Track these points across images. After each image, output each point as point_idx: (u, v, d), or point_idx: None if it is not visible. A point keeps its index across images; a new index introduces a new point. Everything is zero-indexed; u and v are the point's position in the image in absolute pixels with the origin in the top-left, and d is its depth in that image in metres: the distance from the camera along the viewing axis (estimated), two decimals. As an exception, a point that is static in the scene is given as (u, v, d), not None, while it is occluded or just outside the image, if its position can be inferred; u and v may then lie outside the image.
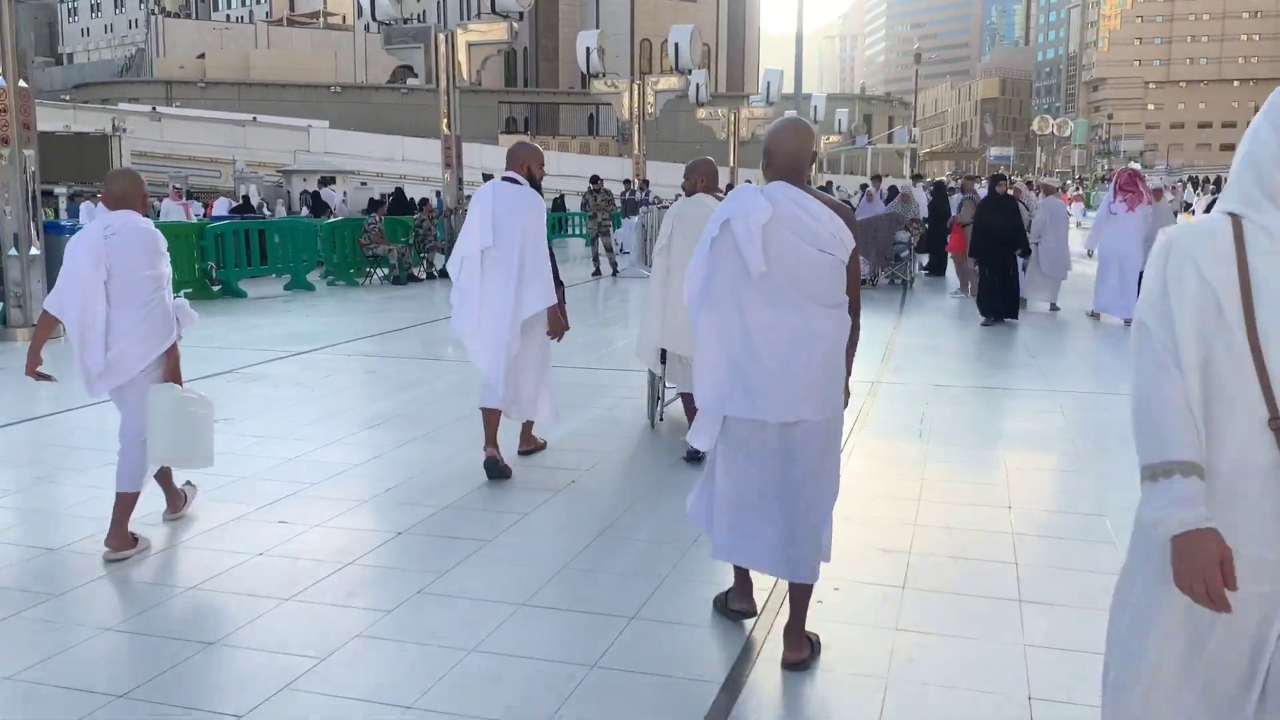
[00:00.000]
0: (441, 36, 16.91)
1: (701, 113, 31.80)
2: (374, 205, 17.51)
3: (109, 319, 4.52)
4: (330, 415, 7.59)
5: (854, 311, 3.60)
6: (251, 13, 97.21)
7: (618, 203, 21.67)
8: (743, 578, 3.88)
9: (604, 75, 24.22)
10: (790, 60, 32.27)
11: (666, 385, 6.77)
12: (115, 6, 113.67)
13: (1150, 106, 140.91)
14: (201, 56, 72.39)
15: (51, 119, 43.63)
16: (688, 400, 6.01)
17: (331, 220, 17.65)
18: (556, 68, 76.96)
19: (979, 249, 12.49)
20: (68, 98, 57.15)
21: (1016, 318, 12.28)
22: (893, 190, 15.59)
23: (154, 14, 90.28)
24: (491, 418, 5.85)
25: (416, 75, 73.18)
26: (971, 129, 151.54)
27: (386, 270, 17.23)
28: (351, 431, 7.04)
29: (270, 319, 12.67)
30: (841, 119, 43.57)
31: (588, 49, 23.29)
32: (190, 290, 13.29)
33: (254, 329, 11.91)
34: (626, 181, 22.97)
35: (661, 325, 6.13)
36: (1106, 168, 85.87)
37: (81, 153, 39.51)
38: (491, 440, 5.82)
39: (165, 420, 4.58)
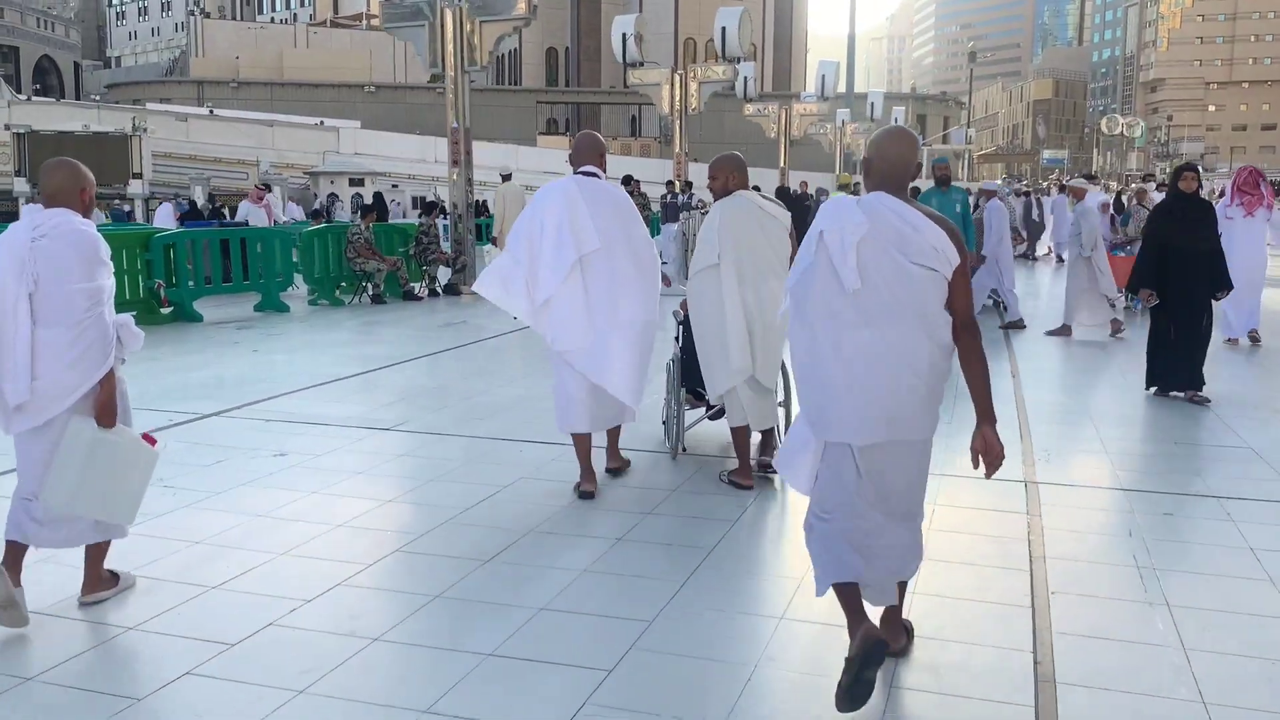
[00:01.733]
0: (449, 13, 14.53)
1: (749, 108, 29.23)
2: (363, 211, 14.98)
3: (34, 340, 3.80)
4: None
5: (971, 329, 3.34)
6: (295, 15, 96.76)
7: (654, 206, 19.29)
8: (856, 608, 3.41)
9: (643, 65, 21.78)
10: (839, 64, 30.07)
11: (688, 407, 6.27)
12: (162, 10, 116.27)
13: (1211, 107, 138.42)
14: (238, 57, 71.31)
15: (73, 118, 42.56)
16: (737, 438, 5.57)
17: (313, 228, 15.29)
18: (599, 68, 75.30)
19: (1153, 282, 8.01)
20: (97, 98, 56.04)
21: (1201, 389, 7.96)
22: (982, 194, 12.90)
23: (193, 14, 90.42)
24: (583, 441, 5.45)
25: (456, 76, 72.05)
26: (1023, 131, 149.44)
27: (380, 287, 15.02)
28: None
29: (206, 356, 10.23)
30: (898, 117, 40.76)
31: (624, 36, 20.83)
32: (134, 315, 10.92)
33: (175, 372, 9.33)
34: (668, 183, 20.53)
35: (741, 351, 5.39)
36: (1166, 170, 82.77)
37: (101, 154, 38.09)
38: (590, 473, 5.46)
39: (79, 459, 3.86)
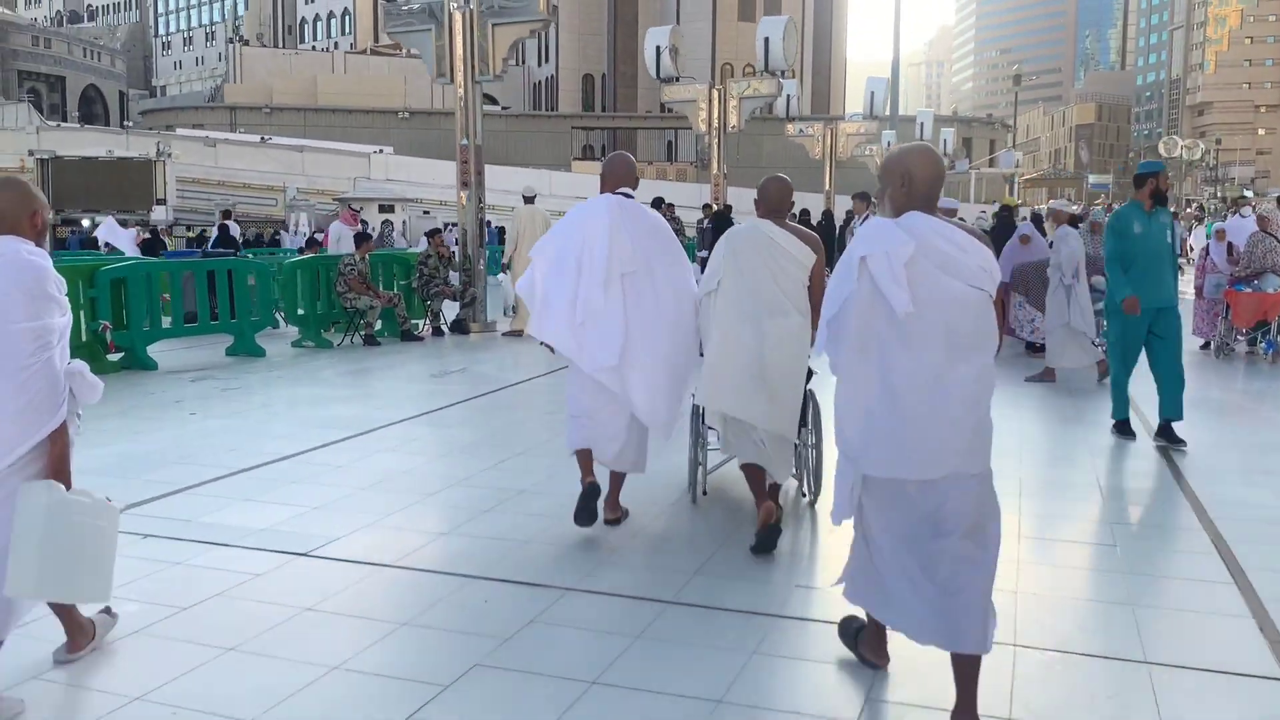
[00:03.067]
0: (458, 16, 13.07)
1: (792, 128, 27.71)
2: (358, 240, 13.06)
3: None
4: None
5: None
6: (336, 43, 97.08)
7: (690, 231, 17.75)
8: (877, 625, 3.49)
9: (678, 80, 20.31)
10: (877, 87, 28.51)
11: (709, 449, 5.81)
12: (206, 40, 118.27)
13: (1261, 131, 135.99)
14: (271, 84, 71.13)
15: (100, 144, 42.07)
16: (750, 474, 5.13)
17: (296, 260, 13.29)
18: (635, 94, 74.42)
19: None
20: (130, 124, 55.87)
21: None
22: (1073, 220, 10.90)
23: (231, 42, 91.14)
24: (585, 459, 5.24)
25: (495, 102, 71.52)
26: (1065, 156, 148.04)
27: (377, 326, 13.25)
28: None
29: (128, 421, 8.14)
30: (947, 139, 39.10)
31: (658, 49, 19.36)
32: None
33: (76, 446, 7.48)
34: (706, 206, 19.01)
35: (717, 381, 5.05)
36: (1218, 195, 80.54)
37: (124, 179, 37.50)
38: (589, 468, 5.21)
39: (37, 532, 3.27)
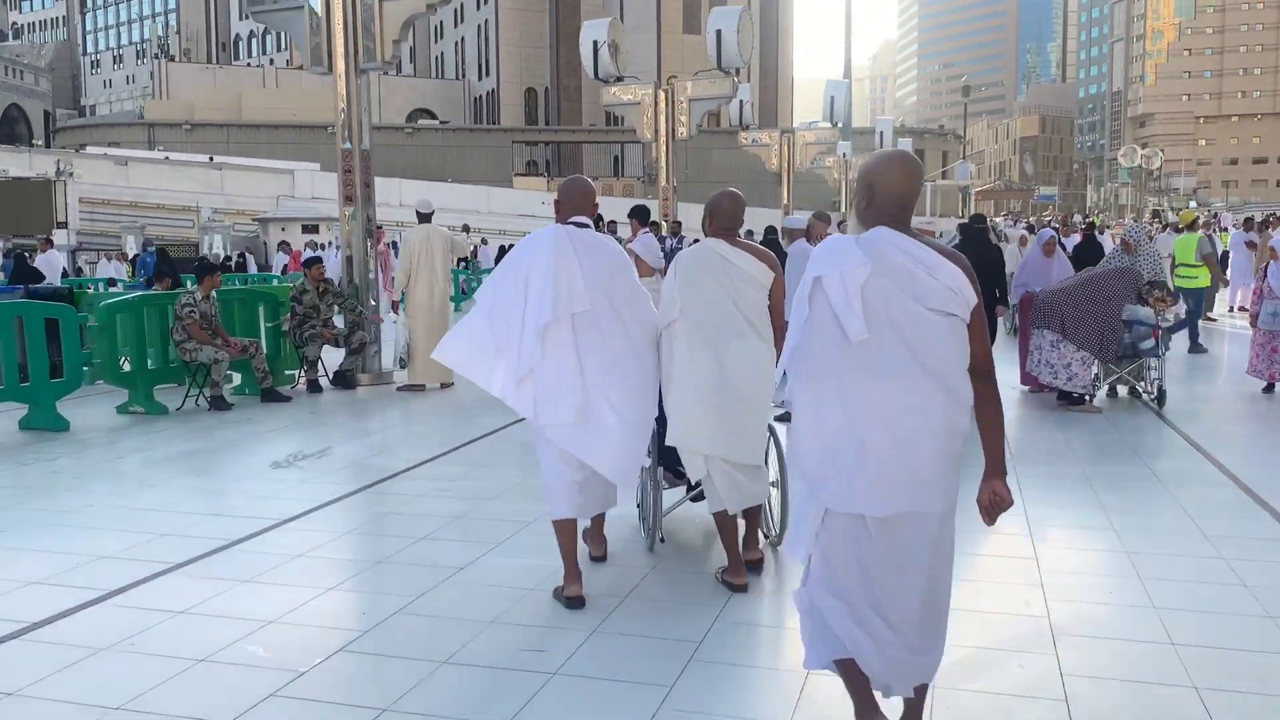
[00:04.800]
0: (336, -9, 10.37)
1: (745, 137, 25.35)
2: (199, 271, 9.96)
3: None
4: None
5: (988, 378, 3.05)
6: (272, 60, 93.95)
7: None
8: (863, 689, 3.17)
9: (620, 80, 17.78)
10: (819, 105, 26.46)
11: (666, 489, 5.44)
12: (137, 57, 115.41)
13: (1201, 142, 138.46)
14: (192, 100, 67.88)
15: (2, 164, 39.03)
16: (721, 522, 4.82)
17: (116, 300, 9.97)
18: (580, 108, 72.47)
19: None
20: (39, 143, 52.68)
21: None
22: (1087, 232, 8.75)
23: (157, 58, 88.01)
24: (570, 531, 4.67)
25: (434, 116, 68.79)
26: (1010, 168, 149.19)
27: (235, 381, 10.43)
28: None
29: None
30: (905, 150, 36.92)
31: (595, 44, 16.81)
32: None
33: None
34: (652, 224, 16.58)
35: (688, 417, 4.67)
36: (1164, 206, 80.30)
37: (21, 201, 34.48)
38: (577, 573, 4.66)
39: None
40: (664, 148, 18.52)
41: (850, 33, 35.27)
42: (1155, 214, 55.93)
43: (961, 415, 2.95)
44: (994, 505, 3.01)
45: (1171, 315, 9.32)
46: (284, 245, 31.01)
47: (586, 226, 4.69)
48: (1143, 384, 9.32)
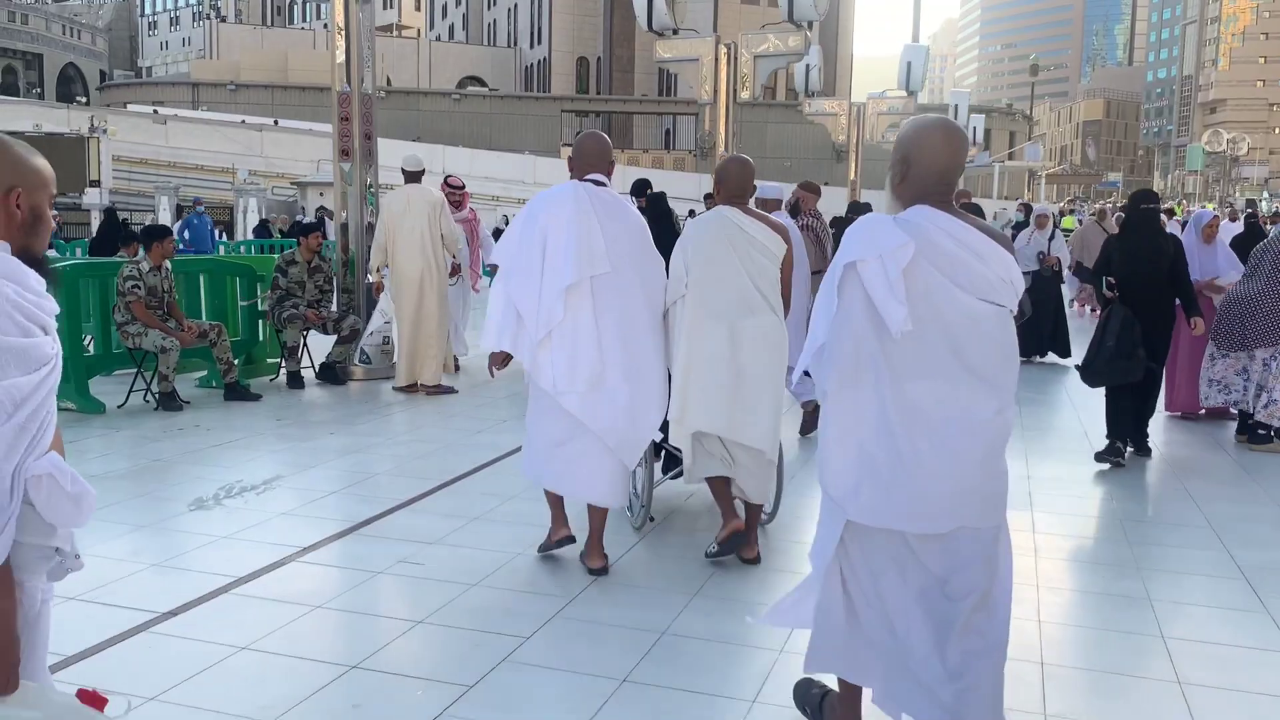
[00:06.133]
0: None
1: (809, 105, 23.30)
2: (149, 235, 8.00)
3: None
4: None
5: None
6: (326, 25, 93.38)
7: (680, 223, 13.34)
8: (849, 689, 2.97)
9: (676, 33, 15.88)
10: (879, 82, 24.50)
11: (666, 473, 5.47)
12: (193, 20, 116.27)
13: (1276, 130, 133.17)
14: (239, 60, 67.09)
15: (39, 119, 38.08)
16: (716, 488, 4.64)
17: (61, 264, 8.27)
18: (632, 79, 70.60)
19: None
20: (85, 100, 52.09)
21: None
22: (1250, 220, 6.80)
23: (208, 18, 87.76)
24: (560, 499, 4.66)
25: (484, 84, 67.57)
26: (1072, 153, 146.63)
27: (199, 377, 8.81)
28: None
29: None
30: (976, 127, 34.47)
31: None
32: None
33: None
34: (708, 196, 14.76)
35: (687, 395, 4.50)
36: (1233, 195, 77.10)
37: (53, 158, 33.44)
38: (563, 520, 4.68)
39: None
40: (723, 111, 16.68)
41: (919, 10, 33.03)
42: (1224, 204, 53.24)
43: (1011, 417, 2.68)
44: None
45: None
46: (323, 211, 29.52)
47: (604, 185, 4.48)
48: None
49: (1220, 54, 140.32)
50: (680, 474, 5.02)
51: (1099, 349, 6.43)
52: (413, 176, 8.80)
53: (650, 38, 16.92)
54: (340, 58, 9.26)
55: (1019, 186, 50.91)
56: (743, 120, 18.79)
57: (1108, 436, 6.60)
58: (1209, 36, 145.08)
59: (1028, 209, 14.99)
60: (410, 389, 8.70)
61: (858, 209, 10.73)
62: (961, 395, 2.60)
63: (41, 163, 2.15)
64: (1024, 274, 5.65)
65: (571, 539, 4.56)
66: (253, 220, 31.10)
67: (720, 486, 4.61)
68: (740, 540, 4.56)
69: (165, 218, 32.51)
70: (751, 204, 4.71)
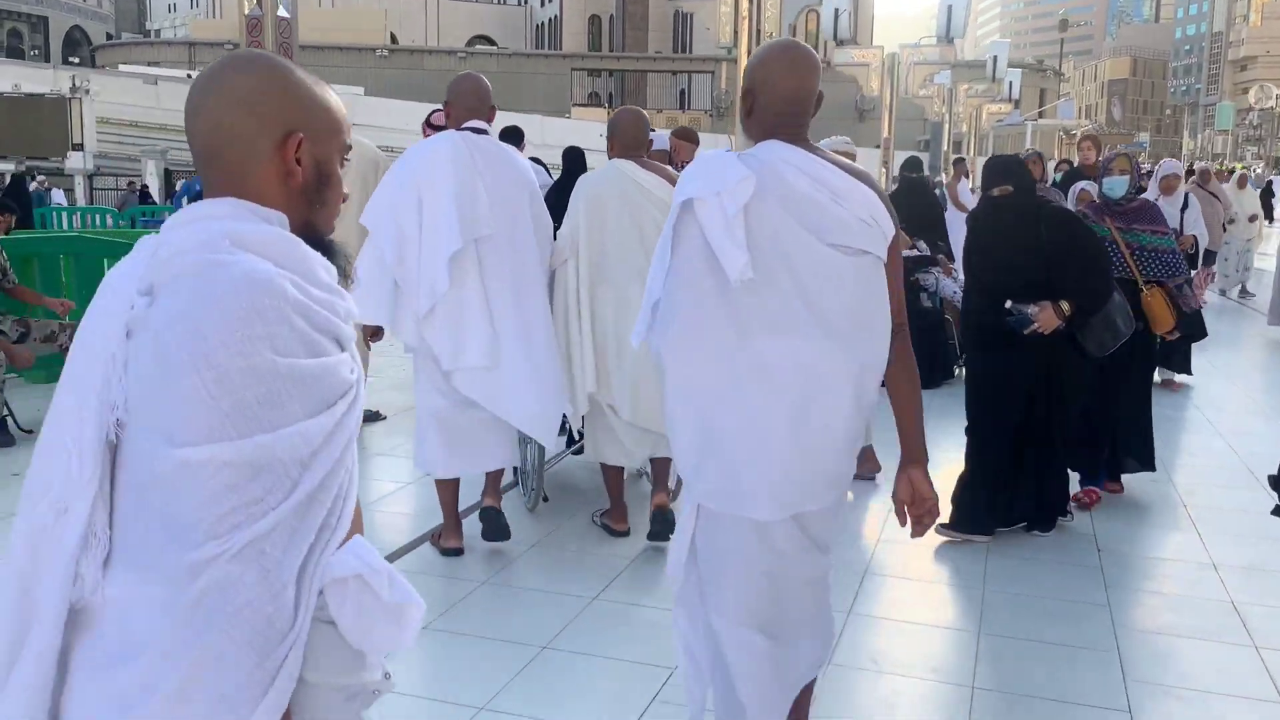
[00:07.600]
0: None
1: (838, 55, 21.33)
2: None
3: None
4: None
5: (900, 332, 2.38)
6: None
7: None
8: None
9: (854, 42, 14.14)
10: (901, 38, 22.57)
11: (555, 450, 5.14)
12: None
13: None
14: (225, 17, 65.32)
15: (27, 79, 36.59)
16: (609, 476, 4.54)
17: None
18: (645, 37, 68.63)
19: None
20: (78, 60, 50.90)
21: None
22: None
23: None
24: (451, 487, 4.30)
25: (492, 42, 65.65)
26: (1097, 112, 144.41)
27: None
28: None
29: None
30: (1013, 82, 32.24)
31: (836, 11, 13.17)
32: None
33: None
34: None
35: (583, 365, 4.28)
36: (1261, 155, 74.68)
37: (34, 120, 31.98)
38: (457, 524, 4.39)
39: None
40: (741, 68, 14.90)
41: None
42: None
43: (871, 383, 2.32)
44: (915, 503, 2.34)
45: None
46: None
47: (484, 133, 4.10)
48: None
49: (1252, 9, 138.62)
50: (580, 450, 4.79)
51: None
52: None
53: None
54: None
55: (1050, 146, 48.76)
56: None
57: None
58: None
59: (1070, 168, 12.56)
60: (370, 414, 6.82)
61: (914, 166, 8.82)
62: (816, 350, 2.24)
63: (332, 99, 1.47)
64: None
65: (460, 551, 4.28)
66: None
67: (615, 476, 4.52)
68: (670, 520, 4.26)
69: (152, 183, 31.00)
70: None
